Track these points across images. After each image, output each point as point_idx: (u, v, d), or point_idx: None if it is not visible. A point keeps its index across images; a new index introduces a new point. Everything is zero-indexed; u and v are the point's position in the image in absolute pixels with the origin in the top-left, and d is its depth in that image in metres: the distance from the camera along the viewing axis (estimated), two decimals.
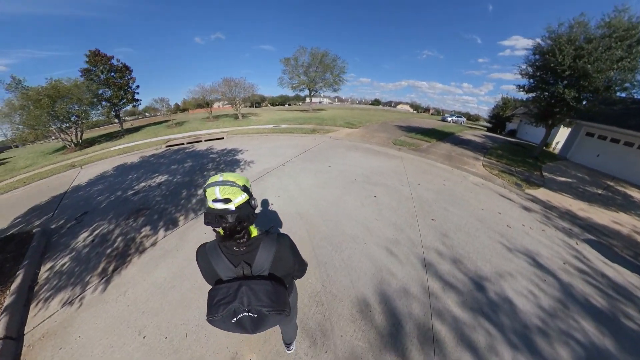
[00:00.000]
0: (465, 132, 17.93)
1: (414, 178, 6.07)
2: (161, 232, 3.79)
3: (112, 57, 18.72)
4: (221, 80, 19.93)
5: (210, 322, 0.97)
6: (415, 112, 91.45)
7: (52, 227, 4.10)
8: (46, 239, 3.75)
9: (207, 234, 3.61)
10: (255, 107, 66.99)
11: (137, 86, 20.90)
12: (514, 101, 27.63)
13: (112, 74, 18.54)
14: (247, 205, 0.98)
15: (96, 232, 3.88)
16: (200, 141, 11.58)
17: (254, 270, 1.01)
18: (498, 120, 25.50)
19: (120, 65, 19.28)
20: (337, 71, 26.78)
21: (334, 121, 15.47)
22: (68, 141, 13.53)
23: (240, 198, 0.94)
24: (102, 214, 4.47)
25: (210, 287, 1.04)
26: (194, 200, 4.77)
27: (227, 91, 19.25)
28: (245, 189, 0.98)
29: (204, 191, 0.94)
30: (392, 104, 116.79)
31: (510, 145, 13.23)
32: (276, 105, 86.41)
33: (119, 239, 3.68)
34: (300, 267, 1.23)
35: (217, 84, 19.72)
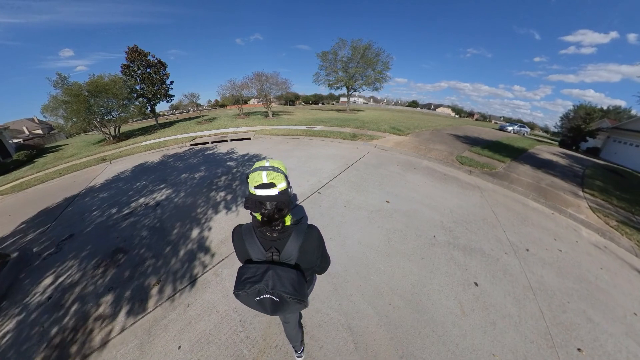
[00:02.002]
0: (537, 147, 14.49)
1: (515, 234, 3.84)
2: (120, 318, 2.26)
3: (149, 53, 18.27)
4: (252, 74, 18.51)
5: (236, 296, 1.01)
6: (457, 116, 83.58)
7: (34, 249, 3.50)
8: (15, 273, 3.00)
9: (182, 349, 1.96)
10: (289, 105, 66.88)
11: (171, 82, 20.30)
12: (599, 111, 22.43)
13: (148, 69, 18.31)
14: (287, 192, 1.00)
15: (60, 280, 2.82)
16: (226, 140, 10.46)
17: (282, 257, 1.04)
18: (577, 134, 20.77)
19: (156, 60, 18.78)
20: (380, 67, 23.42)
21: (377, 125, 13.29)
22: (107, 134, 13.83)
23: (284, 184, 0.98)
24: (80, 246, 3.50)
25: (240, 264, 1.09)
26: (181, 253, 3.17)
27: (259, 86, 17.82)
28: (286, 178, 1.01)
29: (247, 177, 0.99)
30: (432, 107, 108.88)
31: (606, 172, 9.88)
32: (309, 103, 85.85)
33: (72, 310, 2.38)
34: (323, 261, 1.22)
35: (248, 79, 18.39)
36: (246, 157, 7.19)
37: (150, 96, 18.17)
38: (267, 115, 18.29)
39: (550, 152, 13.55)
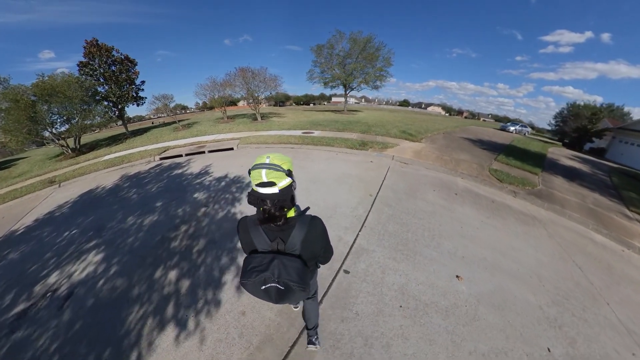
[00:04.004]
0: (550, 151, 13.44)
1: (619, 305, 2.69)
2: None
3: (113, 48, 15.10)
4: (236, 69, 15.40)
5: (242, 285, 1.04)
6: (447, 115, 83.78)
7: None
8: None
9: None
10: (279, 106, 64.56)
11: (142, 81, 17.13)
12: (605, 110, 21.67)
13: (113, 67, 15.18)
14: (289, 189, 0.99)
15: None
16: (203, 152, 8.46)
17: (287, 247, 1.04)
18: (583, 134, 19.85)
19: (122, 57, 15.65)
20: (380, 63, 20.82)
21: (385, 129, 11.55)
22: (64, 146, 11.48)
23: (284, 182, 0.96)
24: None
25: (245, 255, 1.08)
26: None
27: (243, 84, 15.10)
28: (290, 174, 0.98)
29: (249, 172, 0.96)
30: (422, 106, 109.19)
31: (629, 180, 9.13)
32: (301, 104, 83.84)
33: None
34: (326, 252, 1.24)
35: (231, 76, 15.48)
36: (223, 183, 5.19)
37: (115, 99, 15.28)
38: (255, 119, 15.91)
39: (564, 155, 13.00)
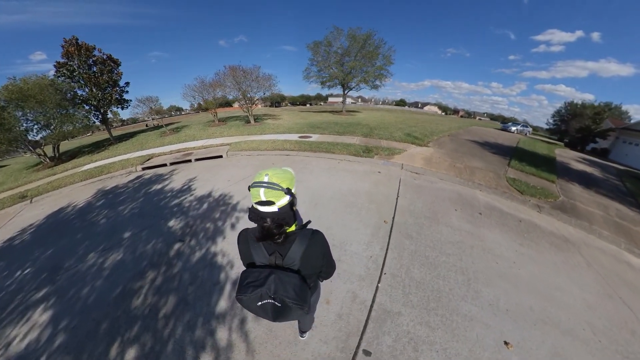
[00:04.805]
0: (556, 152, 12.94)
1: None
2: None
3: (94, 47, 13.72)
4: (225, 68, 14.03)
5: (238, 300, 0.98)
6: (444, 114, 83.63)
7: None
8: None
9: None
10: (276, 106, 63.57)
11: (127, 83, 15.79)
12: (609, 109, 21.25)
13: (93, 68, 13.82)
14: (289, 207, 0.98)
15: None
16: (189, 160, 7.66)
17: (285, 262, 1.00)
18: (586, 134, 19.42)
19: (104, 57, 14.28)
20: (380, 61, 19.65)
21: (388, 131, 10.80)
22: (41, 155, 10.56)
23: (283, 201, 0.94)
24: None
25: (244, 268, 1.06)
26: None
27: (234, 84, 13.83)
28: (289, 192, 0.96)
29: (249, 189, 0.95)
30: (419, 105, 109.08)
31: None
32: (297, 105, 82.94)
33: None
34: (328, 267, 1.19)
35: (221, 75, 14.18)
36: (205, 206, 4.34)
37: (95, 102, 13.94)
38: (248, 121, 14.80)
39: (571, 158, 12.59)
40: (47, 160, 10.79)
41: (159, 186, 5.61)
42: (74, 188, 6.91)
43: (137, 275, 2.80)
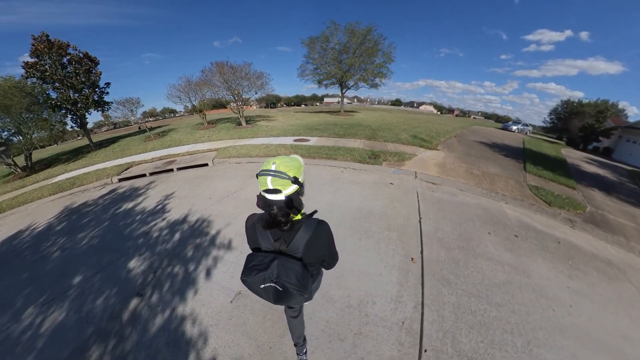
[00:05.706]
0: (563, 153, 12.43)
1: None
2: None
3: (69, 45, 12.36)
4: (211, 64, 12.71)
5: (243, 281, 1.02)
6: (439, 113, 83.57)
7: None
8: None
9: None
10: (271, 107, 62.47)
11: (107, 84, 14.32)
12: (612, 107, 20.89)
13: (68, 68, 12.46)
14: (296, 195, 0.99)
15: None
16: (172, 170, 6.80)
17: (289, 249, 1.01)
18: (589, 133, 19.01)
19: (80, 55, 12.87)
20: (380, 59, 18.33)
21: (393, 133, 10.00)
22: (11, 165, 9.60)
23: (290, 189, 0.95)
24: None
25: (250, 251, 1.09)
26: None
27: (222, 82, 12.47)
28: (296, 181, 0.95)
29: (257, 176, 0.96)
30: (415, 105, 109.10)
31: None
32: (292, 105, 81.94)
33: None
34: (330, 258, 1.18)
35: (207, 72, 12.89)
36: (177, 237, 3.48)
37: (69, 106, 12.46)
38: (240, 123, 13.56)
39: (578, 158, 12.20)
40: (19, 170, 9.83)
41: (130, 205, 4.73)
42: (41, 204, 6.09)
43: (77, 350, 1.95)
